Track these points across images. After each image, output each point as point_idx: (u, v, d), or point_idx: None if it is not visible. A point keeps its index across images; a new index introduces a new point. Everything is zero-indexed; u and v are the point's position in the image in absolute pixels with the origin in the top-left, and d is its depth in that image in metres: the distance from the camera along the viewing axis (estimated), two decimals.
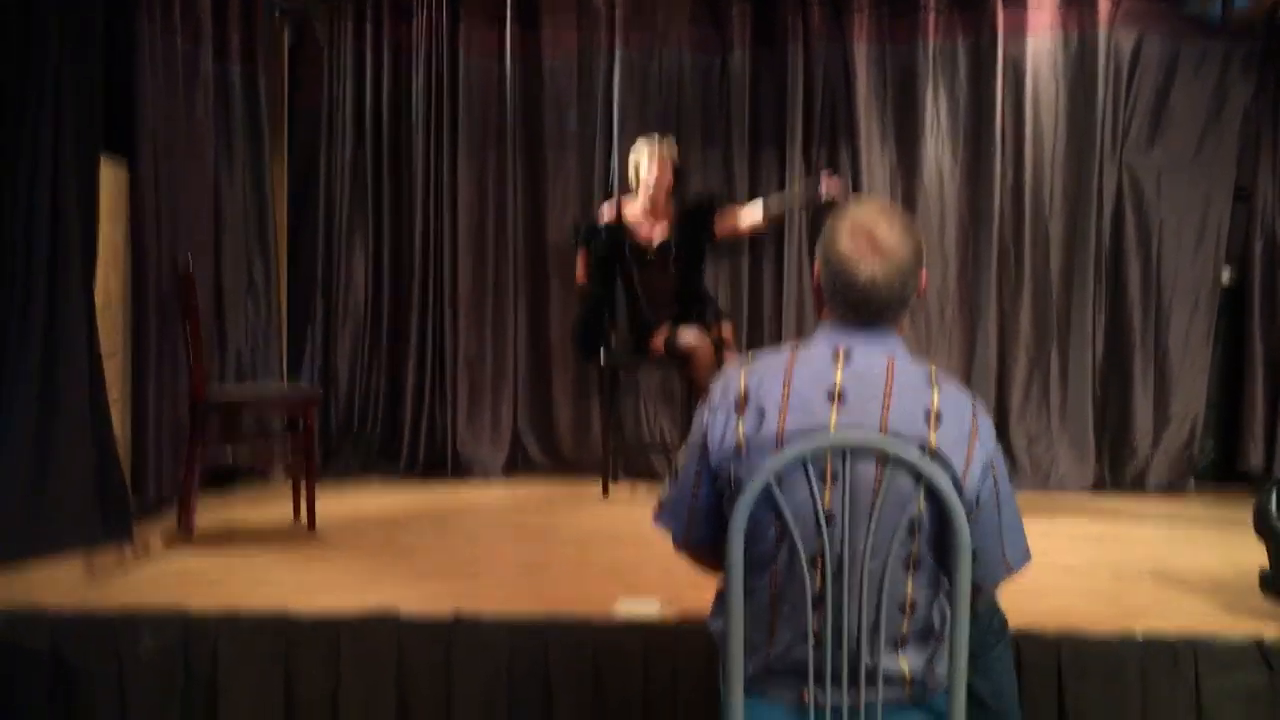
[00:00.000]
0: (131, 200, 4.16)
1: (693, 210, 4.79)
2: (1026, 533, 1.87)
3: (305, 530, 3.93)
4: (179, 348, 4.13)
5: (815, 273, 1.81)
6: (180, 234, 4.41)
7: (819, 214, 4.79)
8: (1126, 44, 5.09)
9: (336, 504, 4.44)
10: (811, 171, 5.24)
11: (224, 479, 4.81)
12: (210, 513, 4.20)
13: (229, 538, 3.82)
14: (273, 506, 4.40)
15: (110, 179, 4.04)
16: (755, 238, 5.21)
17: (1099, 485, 5.04)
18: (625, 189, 4.96)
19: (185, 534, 3.75)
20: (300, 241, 5.39)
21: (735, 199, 5.13)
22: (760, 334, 5.27)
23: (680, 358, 4.61)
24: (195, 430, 3.81)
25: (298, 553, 3.59)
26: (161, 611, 2.78)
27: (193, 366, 3.78)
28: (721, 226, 4.82)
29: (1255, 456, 5.04)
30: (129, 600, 2.88)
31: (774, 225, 5.04)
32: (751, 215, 4.83)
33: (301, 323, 5.35)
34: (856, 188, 5.19)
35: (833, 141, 5.23)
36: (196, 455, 3.79)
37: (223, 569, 3.34)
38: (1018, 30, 5.13)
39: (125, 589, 3.08)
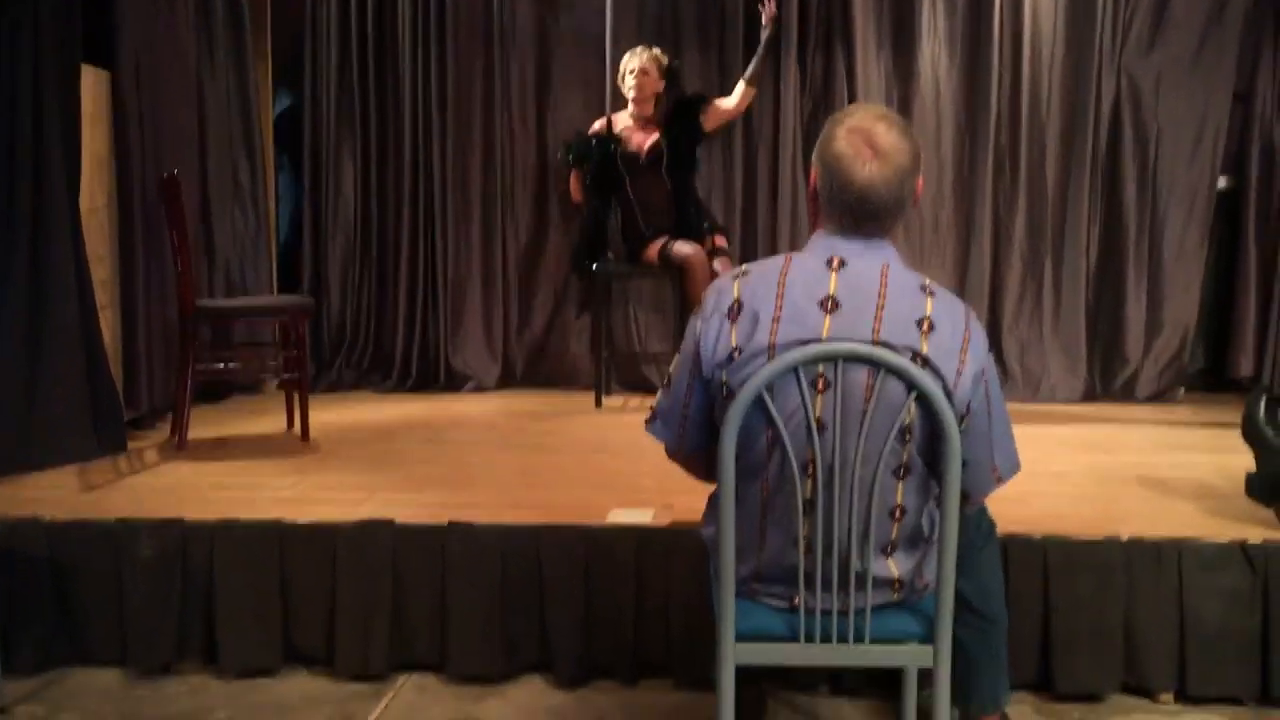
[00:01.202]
0: (113, 106, 4.10)
1: (677, 111, 4.74)
2: (1016, 442, 1.88)
3: (299, 442, 3.95)
4: (167, 255, 4.10)
5: (811, 181, 1.80)
6: (164, 140, 4.35)
7: (772, 41, 4.78)
8: None
9: (330, 416, 4.46)
10: (809, 77, 5.18)
11: (216, 391, 4.82)
12: (203, 425, 4.22)
13: (223, 449, 3.84)
14: (266, 419, 4.41)
15: (91, 86, 3.98)
16: (751, 139, 5.16)
17: (1089, 395, 5.07)
18: (619, 99, 4.91)
19: (179, 446, 3.76)
20: (288, 149, 5.33)
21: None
22: (754, 245, 5.24)
23: (675, 268, 4.60)
24: (185, 341, 3.80)
25: (292, 463, 3.61)
26: (157, 519, 2.81)
27: (180, 274, 3.76)
28: (711, 118, 4.78)
29: (1245, 364, 5.06)
30: (125, 510, 2.91)
31: (760, 86, 4.96)
32: (736, 93, 4.78)
33: (291, 233, 5.31)
34: (852, 95, 5.12)
35: (828, 46, 5.15)
36: (188, 366, 3.79)
37: (217, 479, 3.36)
38: None
39: (120, 499, 3.11)
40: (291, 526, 2.79)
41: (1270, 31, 4.99)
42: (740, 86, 4.79)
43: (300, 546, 2.77)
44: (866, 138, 1.73)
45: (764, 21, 4.73)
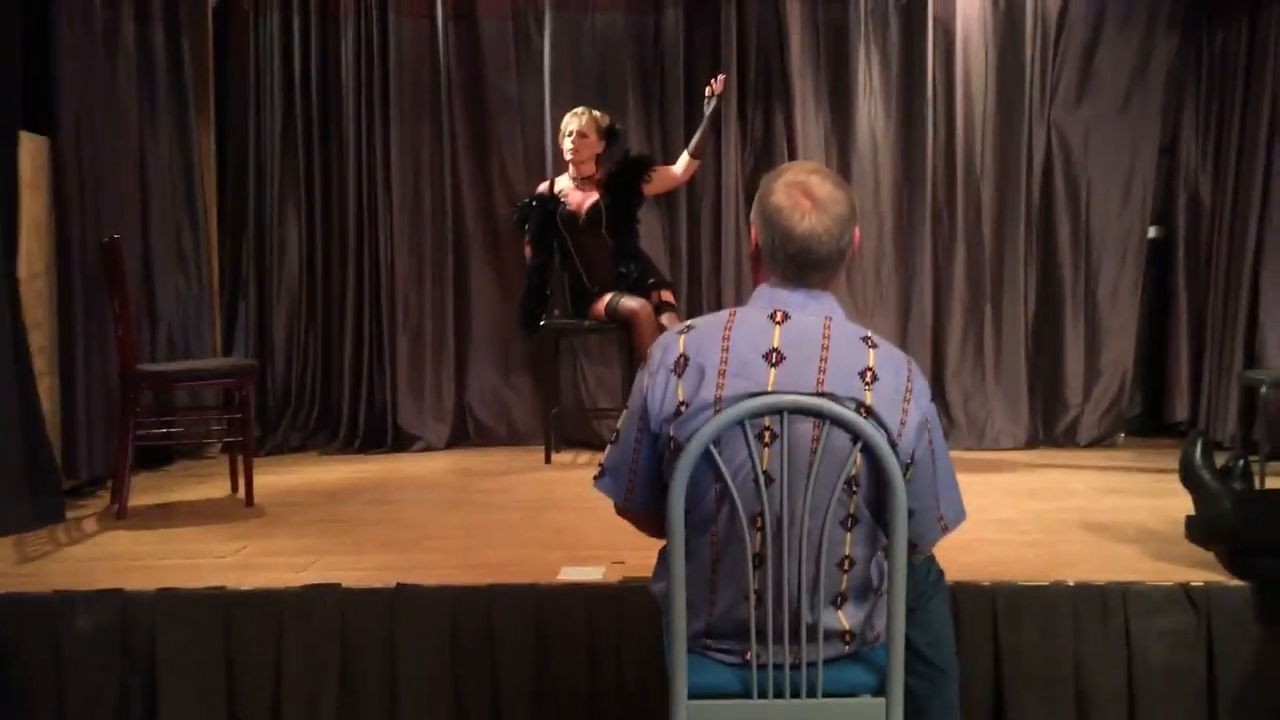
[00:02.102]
0: (53, 172, 4.05)
1: (619, 173, 4.76)
2: (962, 490, 1.89)
3: (244, 506, 3.88)
4: (108, 321, 4.04)
5: (752, 237, 1.82)
6: (105, 205, 4.30)
7: (716, 117, 4.80)
8: (1054, 1, 5.14)
9: (275, 479, 4.39)
10: (749, 134, 5.24)
11: (159, 457, 4.73)
12: (145, 492, 4.13)
13: (165, 516, 3.76)
14: (210, 484, 4.33)
15: (31, 152, 3.93)
16: (694, 195, 5.22)
17: (1033, 441, 5.12)
18: (562, 160, 4.95)
19: (119, 514, 3.68)
20: (232, 212, 5.29)
21: (673, 160, 5.14)
22: (699, 299, 5.26)
23: (621, 323, 4.61)
24: (126, 406, 3.73)
25: (236, 528, 3.54)
26: (96, 590, 2.74)
27: (121, 339, 3.70)
28: (655, 184, 4.79)
29: (1181, 409, 5.15)
30: (62, 582, 2.83)
31: (707, 156, 5.00)
32: (681, 163, 4.82)
33: (235, 296, 5.26)
34: (792, 152, 5.19)
35: (767, 103, 5.23)
36: (129, 432, 3.71)
37: (159, 547, 3.29)
38: None
39: (58, 571, 3.02)
40: (235, 594, 2.73)
41: (1193, 85, 5.15)
42: (684, 158, 4.81)
43: (244, 614, 2.71)
44: (804, 190, 1.76)
45: (707, 94, 4.75)
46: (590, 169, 4.77)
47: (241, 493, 3.96)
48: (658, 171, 4.80)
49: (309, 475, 4.56)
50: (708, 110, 4.74)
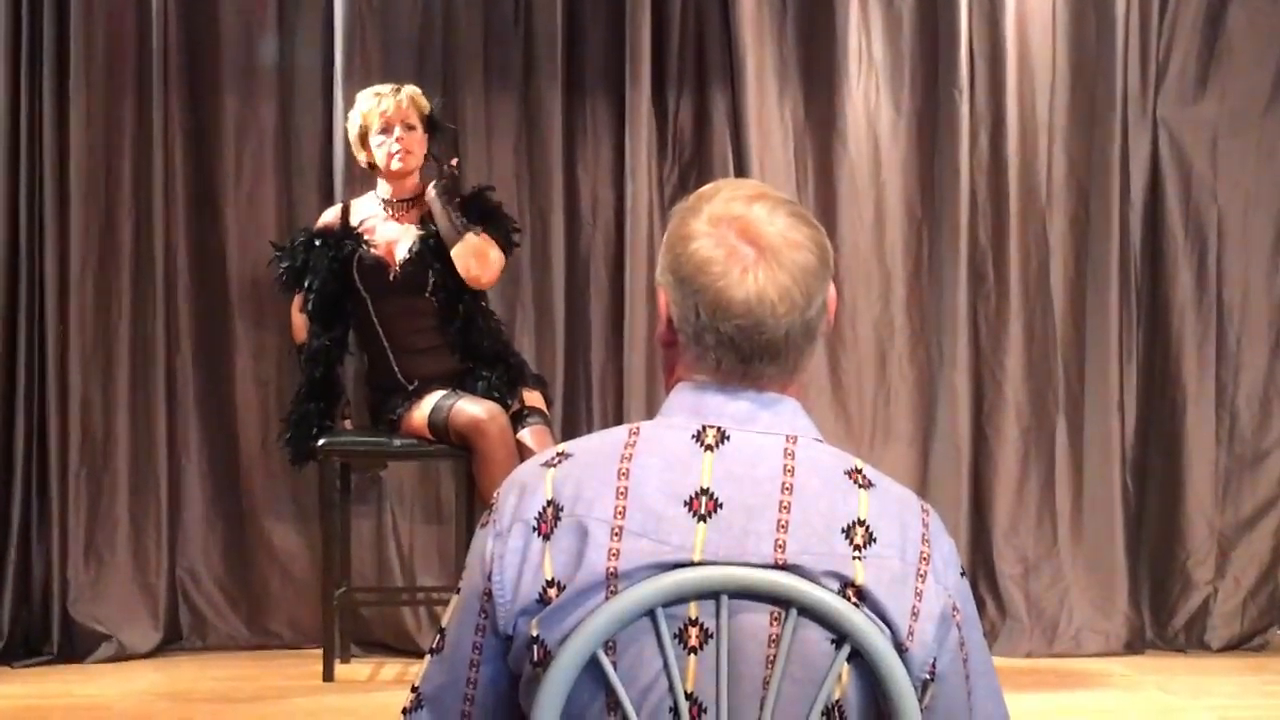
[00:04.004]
0: None
1: (464, 202, 4.76)
2: None
3: None
4: None
5: (660, 308, 1.82)
6: None
7: (463, 209, 4.72)
8: None
9: None
10: (670, 134, 5.29)
11: None
12: None
13: None
14: None
15: None
16: (577, 232, 5.29)
17: (1135, 643, 5.13)
18: (355, 177, 4.95)
19: None
20: None
21: (545, 176, 5.16)
22: (583, 404, 5.28)
23: (455, 443, 4.60)
24: None
25: None
26: None
27: None
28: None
29: None
30: None
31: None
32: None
33: None
34: (740, 162, 5.22)
35: (700, 84, 5.29)
36: None
37: None
38: None
39: None
40: None
41: None
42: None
43: None
44: (742, 229, 1.74)
45: (440, 174, 4.75)
46: (414, 181, 4.82)
47: None
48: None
49: None
50: (432, 192, 4.71)
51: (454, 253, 4.67)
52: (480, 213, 4.78)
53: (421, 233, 4.74)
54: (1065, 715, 4.24)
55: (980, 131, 5.27)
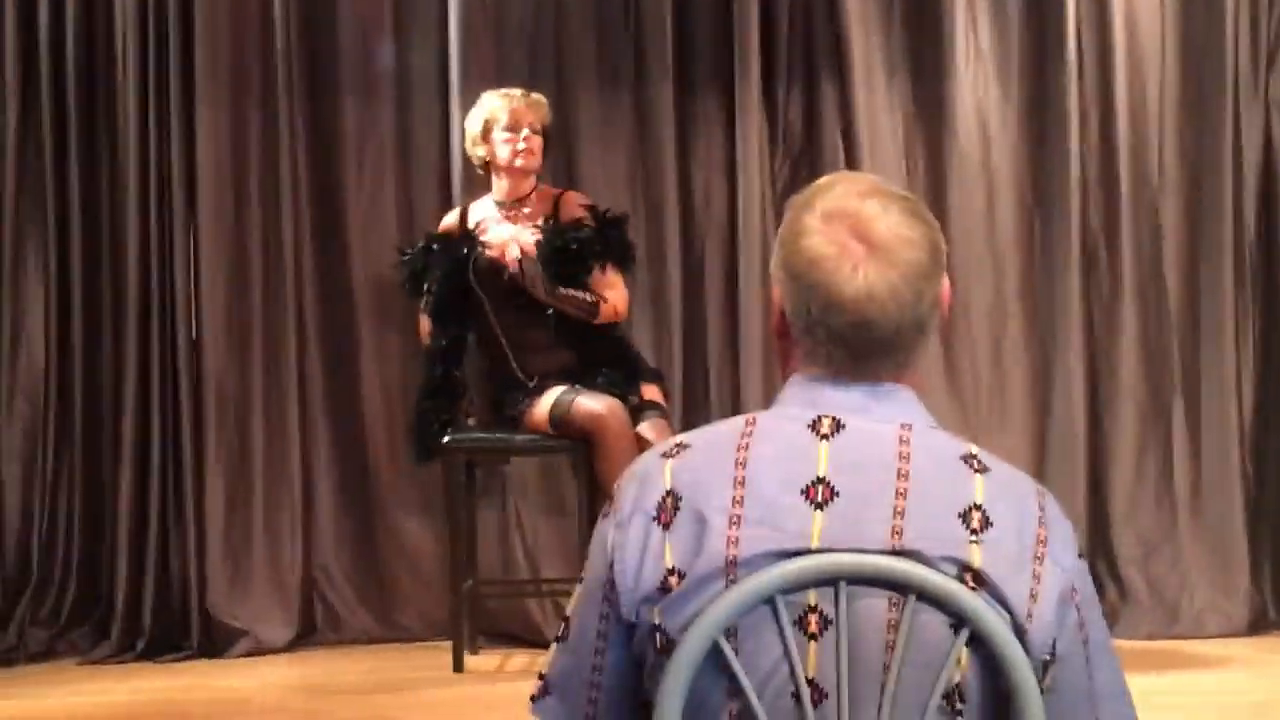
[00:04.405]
0: None
1: (588, 224, 4.77)
2: (1138, 706, 1.86)
3: None
4: None
5: (775, 301, 1.81)
6: None
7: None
8: None
9: (3, 707, 4.31)
10: (780, 128, 5.30)
11: None
12: None
13: None
14: None
15: None
16: (692, 229, 5.31)
17: (1260, 624, 5.11)
18: (474, 178, 4.98)
19: None
20: None
21: (658, 173, 5.18)
22: (702, 400, 5.29)
23: (577, 437, 4.62)
24: None
25: None
26: None
27: None
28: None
29: None
30: None
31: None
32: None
33: None
34: (850, 154, 5.24)
35: (809, 77, 5.30)
36: None
37: None
38: None
39: None
40: None
41: None
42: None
43: None
44: (853, 225, 1.74)
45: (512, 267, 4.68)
46: (532, 182, 4.85)
47: None
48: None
49: (60, 700, 4.49)
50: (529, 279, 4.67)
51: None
52: (610, 244, 4.79)
53: (535, 239, 4.74)
54: (1189, 695, 4.19)
55: (1090, 116, 5.25)
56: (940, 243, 1.77)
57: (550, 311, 4.75)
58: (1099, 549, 5.13)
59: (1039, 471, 5.02)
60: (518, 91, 4.84)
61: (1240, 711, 4.02)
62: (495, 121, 4.78)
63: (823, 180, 1.83)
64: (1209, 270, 5.22)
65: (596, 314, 4.75)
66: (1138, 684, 1.89)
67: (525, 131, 4.76)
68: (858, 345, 1.77)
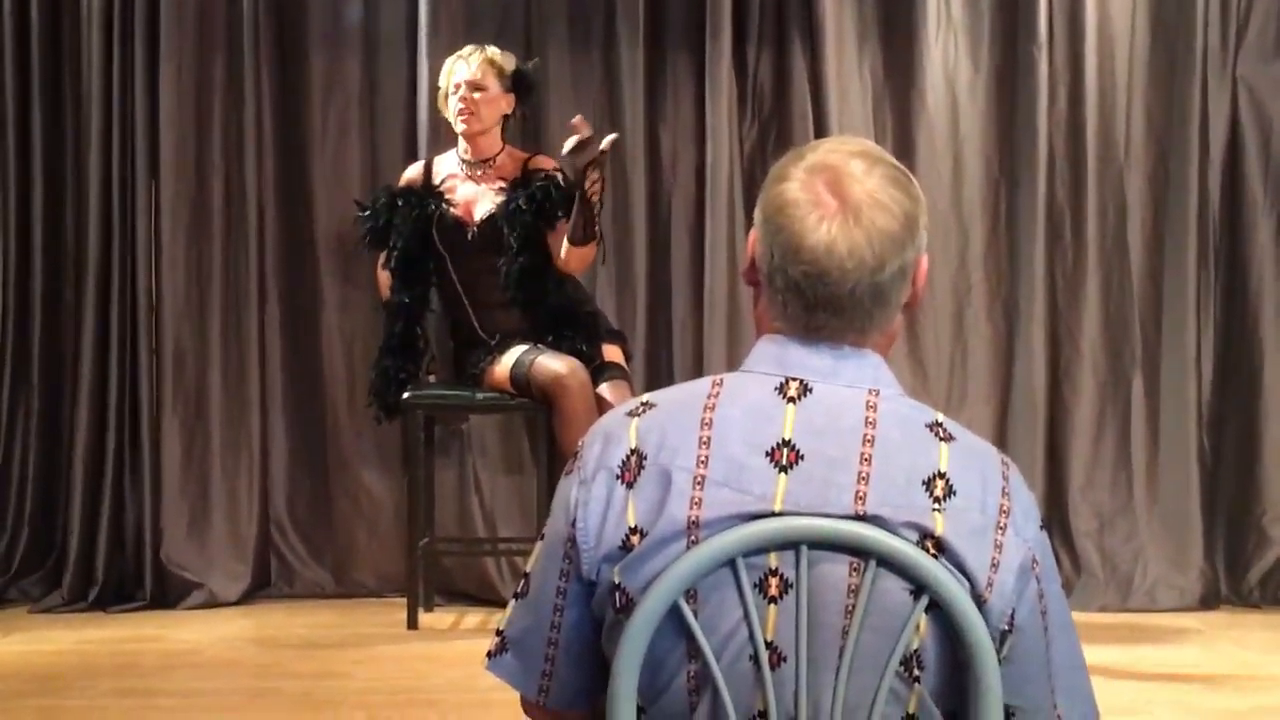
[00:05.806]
0: None
1: (553, 184, 4.73)
2: (1093, 678, 1.88)
3: None
4: None
5: (749, 247, 1.82)
6: None
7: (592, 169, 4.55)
8: None
9: None
10: (750, 92, 5.31)
11: None
12: None
13: None
14: None
15: None
16: (658, 189, 5.31)
17: (1211, 598, 5.15)
18: (440, 134, 4.97)
19: None
20: None
21: (627, 133, 5.16)
22: (666, 361, 5.30)
23: (537, 396, 4.62)
24: None
25: None
26: None
27: None
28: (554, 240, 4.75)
29: None
30: None
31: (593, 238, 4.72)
32: (563, 250, 4.70)
33: None
34: (819, 120, 5.25)
35: (780, 41, 5.29)
36: None
37: None
38: None
39: None
40: None
41: None
42: (564, 246, 4.68)
43: None
44: (832, 179, 1.74)
45: (577, 138, 4.50)
46: (492, 142, 4.82)
47: None
48: (558, 230, 4.71)
49: (9, 647, 4.51)
50: (571, 165, 4.58)
51: (569, 248, 4.64)
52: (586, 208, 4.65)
53: (500, 199, 4.75)
54: (1141, 669, 4.23)
55: (1059, 89, 5.27)
56: (918, 217, 1.77)
57: (508, 270, 4.74)
58: (1055, 521, 5.17)
59: (1000, 442, 5.03)
60: (468, 50, 4.81)
61: (1192, 685, 4.05)
62: (444, 88, 4.80)
63: (823, 139, 1.85)
64: (1173, 246, 5.25)
65: (588, 256, 4.69)
66: (1091, 655, 1.91)
67: (463, 92, 4.73)
68: (810, 297, 1.75)
